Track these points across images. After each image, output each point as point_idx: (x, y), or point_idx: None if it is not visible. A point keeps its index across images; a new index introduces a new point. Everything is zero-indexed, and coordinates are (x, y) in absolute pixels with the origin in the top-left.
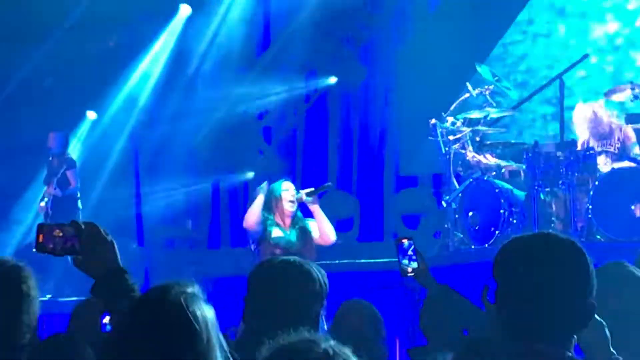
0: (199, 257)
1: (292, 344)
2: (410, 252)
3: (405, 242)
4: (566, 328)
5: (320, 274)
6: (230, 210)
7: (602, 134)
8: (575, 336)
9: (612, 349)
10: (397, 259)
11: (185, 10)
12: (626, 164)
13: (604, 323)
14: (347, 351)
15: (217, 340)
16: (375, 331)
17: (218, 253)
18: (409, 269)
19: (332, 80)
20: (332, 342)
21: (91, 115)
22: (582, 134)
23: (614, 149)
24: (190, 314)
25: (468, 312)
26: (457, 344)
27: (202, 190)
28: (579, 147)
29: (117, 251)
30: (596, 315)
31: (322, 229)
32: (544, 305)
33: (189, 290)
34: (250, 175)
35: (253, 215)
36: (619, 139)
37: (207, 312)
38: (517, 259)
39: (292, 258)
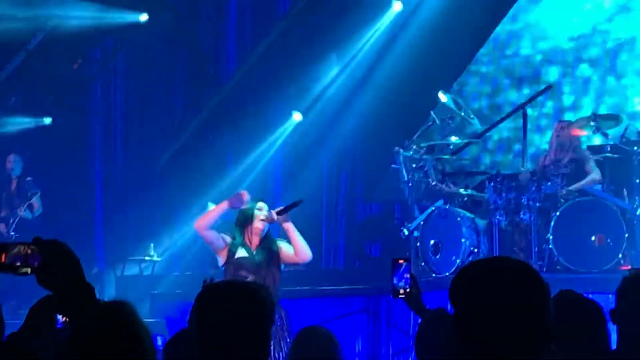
0: (161, 282)
1: None
2: (404, 274)
3: (402, 263)
4: (522, 354)
5: (267, 294)
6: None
7: (562, 145)
8: None
9: None
10: (390, 278)
11: None
12: (587, 195)
13: (560, 350)
14: None
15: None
16: (333, 358)
17: (179, 278)
18: (401, 290)
19: (297, 117)
20: None
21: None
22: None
23: (568, 170)
24: (139, 330)
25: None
26: None
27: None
28: (540, 163)
29: (82, 268)
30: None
31: (296, 247)
32: (499, 330)
33: (133, 309)
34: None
35: (206, 220)
36: (575, 160)
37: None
38: (473, 284)
39: (239, 280)
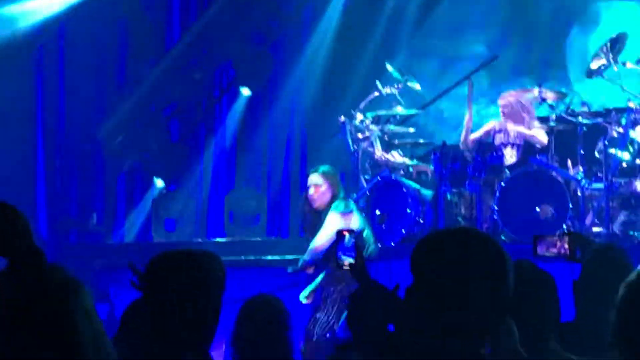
0: (104, 251)
1: None
2: (349, 246)
3: (347, 235)
4: (481, 325)
5: (218, 263)
6: (136, 205)
7: (514, 115)
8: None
9: (518, 346)
10: (335, 251)
11: None
12: (532, 165)
13: (511, 319)
14: None
15: (102, 340)
16: (281, 327)
17: (122, 247)
18: (346, 262)
19: (246, 92)
20: None
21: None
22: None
23: (519, 141)
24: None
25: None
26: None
27: (107, 184)
28: (489, 128)
29: (32, 232)
30: None
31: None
32: (460, 302)
33: (77, 286)
34: (160, 184)
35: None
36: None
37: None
38: (435, 254)
39: (188, 250)
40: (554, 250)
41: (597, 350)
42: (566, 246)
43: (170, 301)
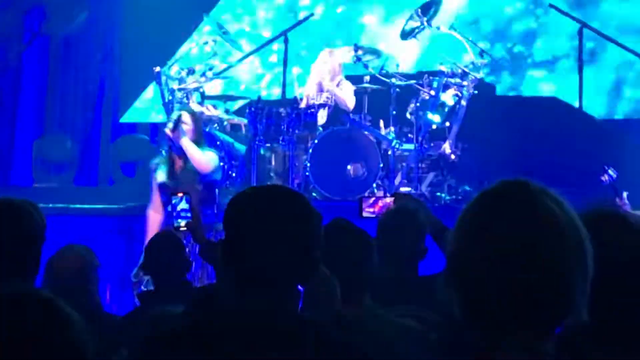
0: None
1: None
2: (182, 207)
3: (178, 196)
4: (288, 282)
5: (35, 211)
6: None
7: (328, 74)
8: (301, 290)
9: (339, 304)
10: (171, 213)
11: None
12: (344, 124)
13: (332, 277)
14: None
15: None
16: (88, 277)
17: None
18: (182, 224)
19: (59, 37)
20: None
21: None
22: (313, 76)
23: (331, 101)
24: None
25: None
26: (185, 292)
27: None
28: (306, 93)
29: None
30: (325, 269)
31: (193, 161)
32: (264, 258)
33: None
34: None
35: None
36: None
37: None
38: (243, 211)
39: (8, 198)
40: (381, 211)
41: (395, 304)
42: (392, 206)
43: None
